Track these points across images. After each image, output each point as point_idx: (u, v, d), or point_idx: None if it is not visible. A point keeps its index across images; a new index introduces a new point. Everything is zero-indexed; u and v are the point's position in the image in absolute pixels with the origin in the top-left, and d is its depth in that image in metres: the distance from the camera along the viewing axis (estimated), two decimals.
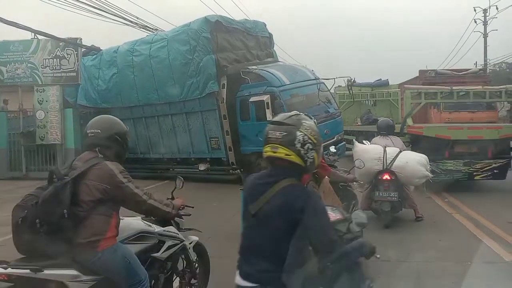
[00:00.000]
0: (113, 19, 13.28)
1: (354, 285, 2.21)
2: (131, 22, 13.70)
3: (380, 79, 17.71)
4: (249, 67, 11.31)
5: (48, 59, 14.67)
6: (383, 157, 6.11)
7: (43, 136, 14.81)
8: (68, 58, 14.63)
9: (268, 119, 10.53)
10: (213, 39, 10.95)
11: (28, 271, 2.45)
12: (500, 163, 8.64)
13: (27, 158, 15.21)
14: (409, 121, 9.57)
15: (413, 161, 6.14)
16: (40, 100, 14.82)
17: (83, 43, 14.76)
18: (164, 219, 3.26)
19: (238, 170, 11.23)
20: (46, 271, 2.48)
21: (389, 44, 66.74)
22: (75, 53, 14.60)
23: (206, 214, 7.76)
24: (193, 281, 3.63)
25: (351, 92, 12.39)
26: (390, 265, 4.62)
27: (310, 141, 1.97)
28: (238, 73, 11.11)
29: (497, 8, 23.84)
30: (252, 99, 10.71)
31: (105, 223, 2.64)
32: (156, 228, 3.18)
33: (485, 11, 24.95)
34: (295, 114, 2.06)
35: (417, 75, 18.45)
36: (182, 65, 11.27)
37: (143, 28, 14.13)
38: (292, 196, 1.94)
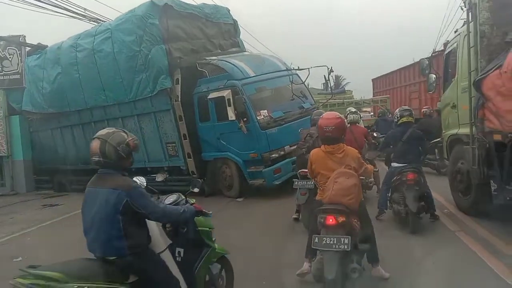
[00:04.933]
0: (56, 11, 11.48)
1: None
2: (77, 14, 11.92)
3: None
4: (207, 58, 9.61)
5: None
6: None
7: None
8: (10, 59, 12.95)
9: (230, 118, 8.91)
10: (162, 26, 9.24)
11: None
12: None
13: None
14: None
15: None
16: None
17: (28, 42, 13.02)
18: None
19: (200, 180, 9.51)
20: None
21: (375, 36, 66.33)
22: (18, 52, 12.91)
23: None
24: None
25: (329, 83, 10.72)
26: None
27: None
28: (194, 66, 9.43)
29: None
30: (211, 95, 9.06)
31: None
32: None
33: None
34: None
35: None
36: (129, 59, 9.54)
37: (93, 21, 12.35)
38: (418, 133, 6.31)
